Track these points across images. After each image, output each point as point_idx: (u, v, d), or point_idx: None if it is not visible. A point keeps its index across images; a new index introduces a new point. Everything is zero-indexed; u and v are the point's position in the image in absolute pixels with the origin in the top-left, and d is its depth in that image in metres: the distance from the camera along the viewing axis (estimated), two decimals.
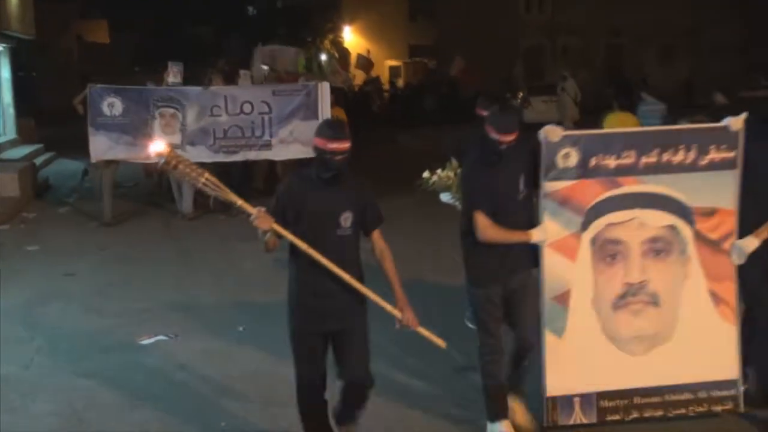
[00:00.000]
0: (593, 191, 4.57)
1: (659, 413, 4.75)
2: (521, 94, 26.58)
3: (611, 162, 4.56)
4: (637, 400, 4.73)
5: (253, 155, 11.42)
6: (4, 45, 17.83)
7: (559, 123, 11.61)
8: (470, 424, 4.87)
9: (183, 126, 11.06)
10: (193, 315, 7.24)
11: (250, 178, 12.62)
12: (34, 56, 26.57)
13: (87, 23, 38.29)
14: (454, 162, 6.09)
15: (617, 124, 8.28)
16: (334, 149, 3.90)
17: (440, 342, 4.26)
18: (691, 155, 4.62)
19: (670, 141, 4.62)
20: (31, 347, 6.45)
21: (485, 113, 5.81)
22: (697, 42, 33.88)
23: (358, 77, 30.82)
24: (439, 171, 6.08)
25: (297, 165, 11.17)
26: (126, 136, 10.88)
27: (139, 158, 11.05)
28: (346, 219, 4.02)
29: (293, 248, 4.03)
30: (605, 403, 4.71)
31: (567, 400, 4.67)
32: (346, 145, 3.92)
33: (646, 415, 4.74)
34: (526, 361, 4.67)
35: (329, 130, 3.97)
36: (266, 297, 7.71)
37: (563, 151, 4.50)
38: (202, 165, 10.91)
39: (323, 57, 24.40)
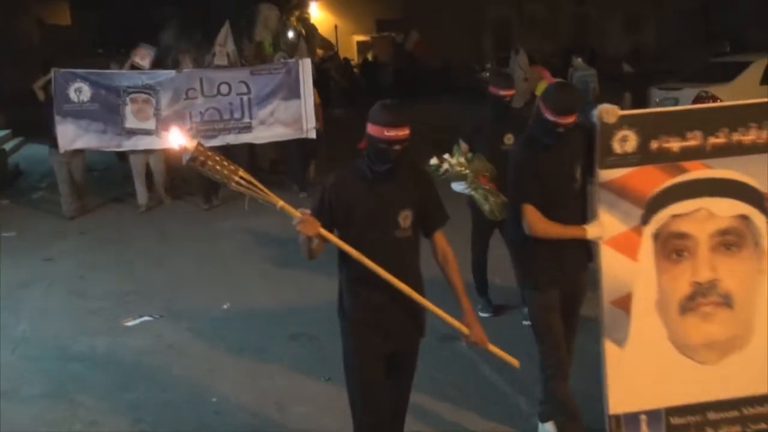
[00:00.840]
0: (655, 179, 4.00)
1: (736, 429, 4.19)
2: (489, 65, 26.70)
3: (675, 144, 3.98)
4: (711, 415, 4.17)
5: (232, 139, 10.82)
6: None
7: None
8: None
9: (157, 111, 10.57)
10: (177, 295, 7.30)
11: (255, 159, 12.31)
12: None
13: (47, 5, 37.55)
14: (463, 146, 5.83)
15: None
16: (393, 137, 3.28)
17: (513, 361, 3.80)
18: (765, 134, 4.03)
19: (739, 118, 4.04)
20: (16, 332, 6.47)
21: (501, 92, 5.83)
22: (660, 9, 34.11)
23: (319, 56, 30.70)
24: (447, 157, 5.50)
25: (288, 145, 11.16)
26: (96, 123, 10.41)
27: (111, 146, 10.75)
28: (406, 218, 3.44)
29: (343, 255, 3.48)
30: (675, 420, 4.15)
31: (632, 418, 4.12)
32: (406, 131, 3.30)
33: None
34: None
35: (386, 114, 3.31)
36: (248, 274, 7.84)
37: (620, 134, 3.91)
38: None
39: (290, 34, 24.25)
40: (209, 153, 3.28)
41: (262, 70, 11.07)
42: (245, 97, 10.79)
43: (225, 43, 11.69)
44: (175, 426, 4.83)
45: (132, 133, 10.57)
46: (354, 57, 35.86)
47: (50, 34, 35.13)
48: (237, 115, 10.79)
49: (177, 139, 3.28)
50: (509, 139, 5.77)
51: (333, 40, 33.04)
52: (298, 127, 10.83)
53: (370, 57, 33.16)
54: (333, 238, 3.40)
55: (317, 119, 11.00)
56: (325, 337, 5.97)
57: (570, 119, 3.79)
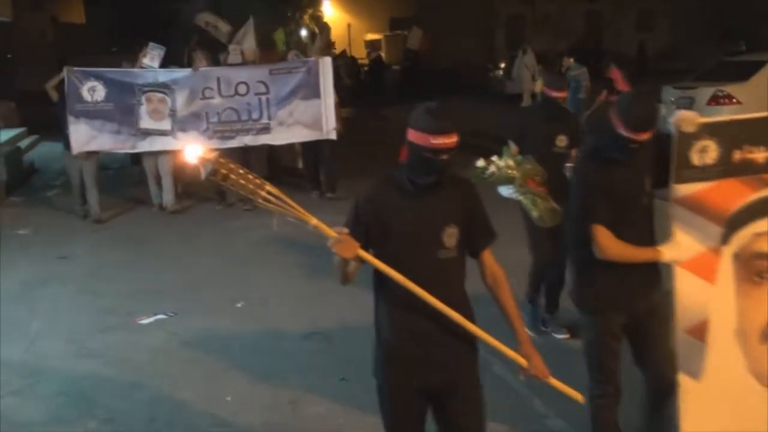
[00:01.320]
0: (737, 193, 3.61)
1: None
2: (503, 64, 26.64)
3: (760, 155, 3.60)
4: None
5: (250, 140, 10.55)
6: None
7: None
8: None
9: (172, 111, 10.31)
10: (190, 293, 7.31)
11: (272, 161, 12.03)
12: (7, 38, 26.22)
13: (62, 3, 37.76)
14: (513, 147, 5.49)
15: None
16: (440, 146, 2.90)
17: (577, 396, 3.40)
18: None
19: None
20: (30, 330, 6.50)
21: (554, 93, 5.63)
22: (672, 7, 33.96)
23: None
24: (495, 159, 5.12)
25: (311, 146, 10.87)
26: (110, 123, 10.15)
27: (125, 148, 10.53)
28: (451, 236, 3.05)
29: (380, 278, 3.09)
30: None
31: None
32: (454, 138, 2.92)
33: None
34: (667, 407, 3.75)
35: (432, 119, 2.92)
36: (261, 272, 7.85)
37: (700, 144, 3.51)
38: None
39: (303, 33, 24.29)
40: (231, 165, 2.97)
41: (281, 69, 10.70)
42: (264, 97, 10.49)
43: (242, 40, 11.47)
44: (190, 425, 4.83)
45: (147, 133, 10.32)
46: (364, 57, 35.89)
47: (64, 32, 35.33)
48: (255, 115, 10.51)
49: (194, 151, 2.97)
50: (561, 140, 5.56)
51: (346, 39, 33.06)
52: (318, 128, 10.56)
53: (377, 55, 33.17)
54: (372, 259, 3.03)
55: (337, 119, 10.76)
56: (339, 337, 5.97)
57: (647, 136, 3.44)
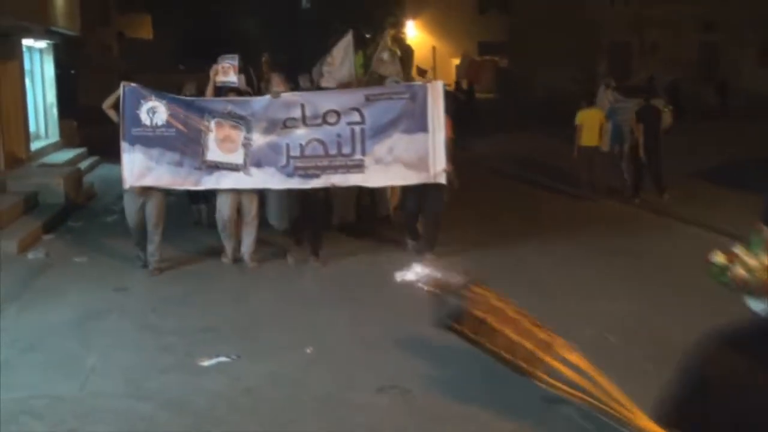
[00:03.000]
0: None
1: None
2: (612, 96, 26.39)
3: None
4: None
5: (339, 179, 9.59)
6: (48, 42, 18.44)
7: None
8: None
9: (247, 140, 9.44)
10: (256, 335, 7.42)
11: (331, 211, 11.18)
12: (73, 53, 27.26)
13: (130, 17, 39.21)
14: (767, 233, 3.95)
15: (586, 118, 13.83)
16: None
17: None
18: None
19: None
20: (85, 366, 6.68)
21: None
22: None
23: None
24: (741, 252, 3.91)
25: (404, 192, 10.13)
26: (170, 153, 9.33)
27: (186, 184, 9.56)
28: None
29: None
30: None
31: None
32: None
33: None
34: None
35: None
36: (334, 315, 7.90)
37: None
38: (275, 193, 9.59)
39: (385, 56, 24.56)
40: (492, 301, 1.99)
41: (380, 95, 9.66)
42: (357, 128, 9.49)
43: (343, 61, 10.61)
44: None
45: (215, 167, 9.45)
46: (451, 84, 36.08)
47: (130, 48, 36.58)
48: (346, 150, 9.51)
49: (417, 273, 2.16)
50: None
51: (430, 63, 33.32)
52: (423, 169, 9.47)
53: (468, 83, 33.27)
54: None
55: (448, 159, 9.61)
56: (418, 392, 5.95)
57: None
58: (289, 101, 9.56)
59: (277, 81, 9.97)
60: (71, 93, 24.35)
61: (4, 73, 14.80)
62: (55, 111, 18.88)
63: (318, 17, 38.07)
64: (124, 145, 9.27)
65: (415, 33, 41.15)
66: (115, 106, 9.30)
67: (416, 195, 9.89)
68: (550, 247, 10.49)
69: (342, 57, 10.72)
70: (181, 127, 9.37)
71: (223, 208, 9.64)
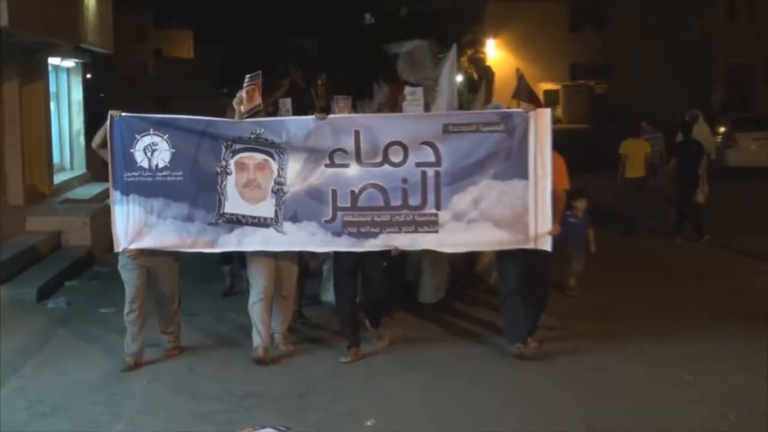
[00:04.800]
0: None
1: None
2: (722, 128, 26.14)
3: None
4: None
5: (405, 240, 8.32)
6: (76, 60, 18.78)
7: None
8: None
9: (278, 184, 8.26)
10: (309, 402, 7.42)
11: (394, 284, 9.60)
12: (103, 73, 27.84)
13: (169, 34, 40.08)
14: None
15: (631, 148, 15.05)
16: None
17: None
18: None
19: None
20: None
21: None
22: None
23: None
24: None
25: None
26: (176, 204, 8.23)
27: (197, 246, 8.36)
28: None
29: None
30: None
31: None
32: None
33: None
34: None
35: None
36: (398, 384, 7.90)
37: None
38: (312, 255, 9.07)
39: (459, 78, 24.71)
40: None
41: (464, 125, 8.31)
42: (431, 171, 8.21)
43: (447, 79, 9.72)
44: None
45: (235, 221, 8.30)
46: None
47: (168, 67, 37.38)
48: (414, 201, 8.24)
49: None
50: None
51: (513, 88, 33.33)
52: (520, 230, 8.20)
53: (558, 112, 33.28)
54: None
55: (555, 216, 8.28)
56: None
57: None
58: (340, 125, 8.29)
59: (342, 106, 8.78)
60: (100, 119, 24.95)
61: (28, 95, 15.12)
62: (82, 140, 19.07)
63: (381, 36, 38.46)
64: (114, 195, 8.28)
65: (495, 53, 41.36)
66: (107, 144, 8.25)
67: (515, 265, 8.44)
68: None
69: (446, 80, 9.76)
70: (190, 169, 8.28)
71: (256, 277, 8.53)
